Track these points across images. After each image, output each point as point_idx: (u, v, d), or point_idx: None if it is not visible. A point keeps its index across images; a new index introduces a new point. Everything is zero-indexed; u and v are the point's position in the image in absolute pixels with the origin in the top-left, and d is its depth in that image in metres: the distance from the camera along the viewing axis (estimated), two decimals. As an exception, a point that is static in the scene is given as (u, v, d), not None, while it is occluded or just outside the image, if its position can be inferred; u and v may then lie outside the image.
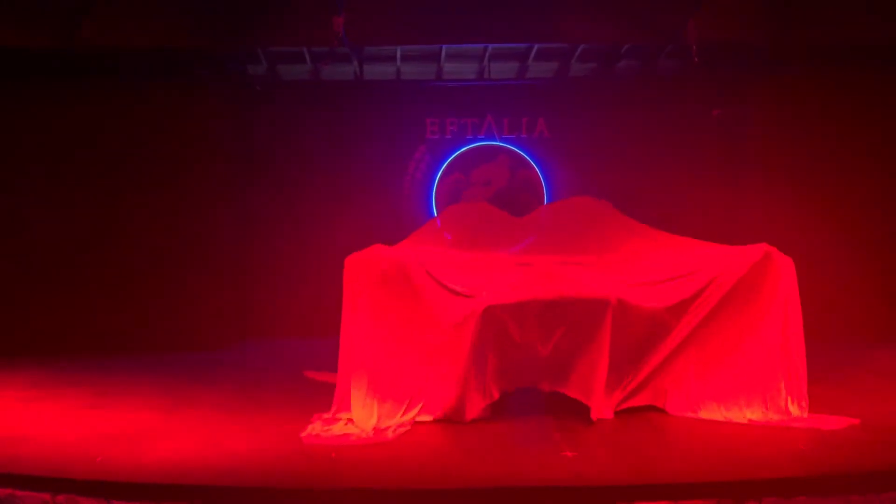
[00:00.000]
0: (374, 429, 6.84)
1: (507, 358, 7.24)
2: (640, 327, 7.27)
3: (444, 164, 12.47)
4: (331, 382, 7.61)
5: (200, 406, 7.85)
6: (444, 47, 11.32)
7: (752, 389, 7.19)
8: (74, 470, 5.88)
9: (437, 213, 12.27)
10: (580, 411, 7.27)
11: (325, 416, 7.25)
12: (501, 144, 12.54)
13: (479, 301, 7.21)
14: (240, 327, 11.81)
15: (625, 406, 7.29)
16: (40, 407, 7.91)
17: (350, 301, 7.38)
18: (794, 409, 7.07)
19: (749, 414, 7.08)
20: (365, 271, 7.30)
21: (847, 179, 11.57)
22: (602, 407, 7.14)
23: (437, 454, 6.37)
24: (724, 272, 7.31)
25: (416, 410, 7.14)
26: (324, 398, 7.57)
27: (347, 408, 7.16)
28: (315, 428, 6.91)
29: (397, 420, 7.00)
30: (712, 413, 7.18)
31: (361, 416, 6.97)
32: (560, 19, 10.51)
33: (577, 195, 9.75)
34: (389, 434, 6.79)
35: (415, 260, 7.44)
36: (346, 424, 6.99)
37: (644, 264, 7.77)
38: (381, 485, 5.61)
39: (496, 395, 7.27)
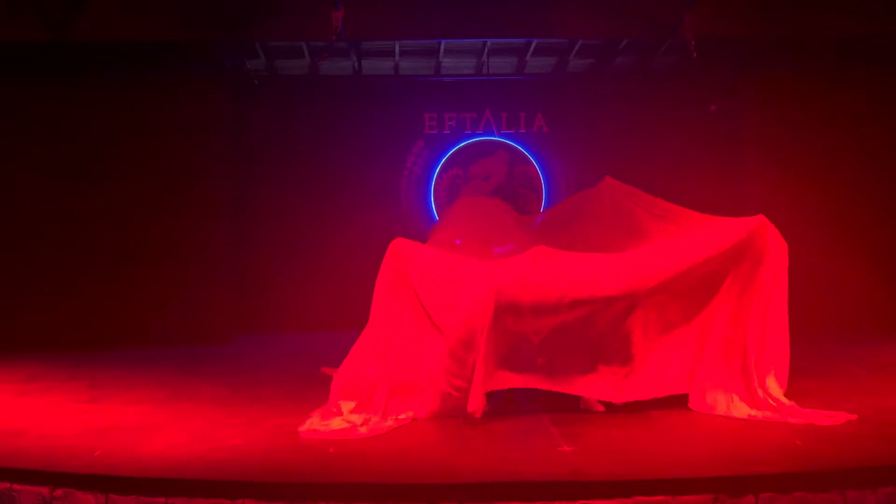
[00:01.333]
0: (366, 421, 6.87)
1: (507, 350, 7.23)
2: (635, 322, 7.29)
3: (443, 160, 12.45)
4: None
5: (198, 400, 7.86)
6: (443, 42, 11.30)
7: (745, 382, 7.20)
8: (72, 464, 5.89)
9: (436, 208, 12.27)
10: (577, 407, 7.29)
11: (329, 408, 7.25)
12: (500, 139, 12.53)
13: (483, 296, 7.19)
14: (237, 322, 11.80)
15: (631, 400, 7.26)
16: (37, 401, 7.91)
17: (386, 288, 7.39)
18: (774, 389, 7.11)
19: (748, 410, 7.07)
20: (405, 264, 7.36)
21: (845, 174, 11.58)
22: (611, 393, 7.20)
23: (435, 449, 6.38)
24: (722, 259, 7.32)
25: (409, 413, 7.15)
26: (321, 393, 7.56)
27: (351, 395, 7.15)
28: (313, 422, 6.90)
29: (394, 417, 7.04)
30: (709, 408, 7.17)
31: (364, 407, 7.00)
32: (558, 14, 10.51)
33: (578, 191, 9.60)
34: (387, 424, 6.84)
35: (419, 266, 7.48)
36: (343, 420, 7.00)
37: (650, 258, 7.68)
38: (379, 479, 5.62)
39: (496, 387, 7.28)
